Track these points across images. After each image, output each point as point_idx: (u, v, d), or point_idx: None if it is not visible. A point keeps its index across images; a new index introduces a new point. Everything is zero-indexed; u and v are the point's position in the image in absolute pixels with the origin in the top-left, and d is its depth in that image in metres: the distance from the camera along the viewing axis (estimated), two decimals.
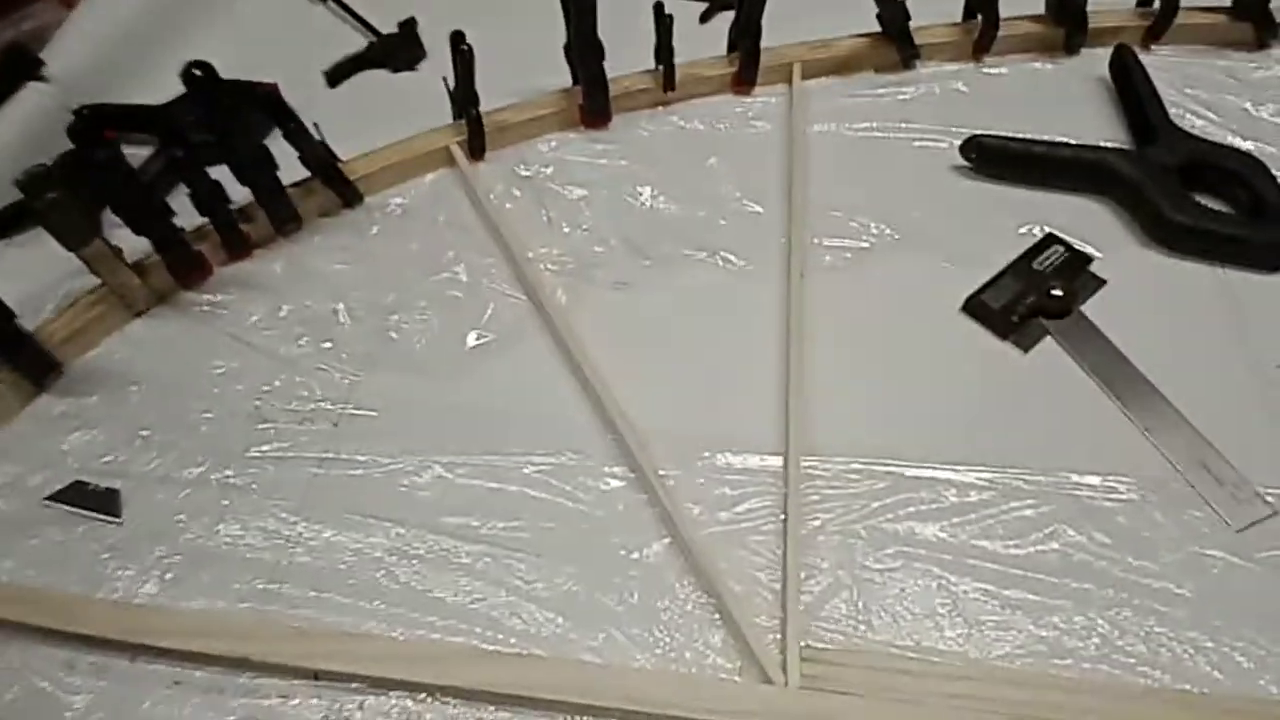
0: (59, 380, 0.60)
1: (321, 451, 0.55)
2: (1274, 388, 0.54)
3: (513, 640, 0.47)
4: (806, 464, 0.52)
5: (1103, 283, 0.59)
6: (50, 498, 0.54)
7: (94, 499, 0.54)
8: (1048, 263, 0.60)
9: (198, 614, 0.49)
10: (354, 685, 0.45)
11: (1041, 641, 0.45)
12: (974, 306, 0.58)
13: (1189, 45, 0.74)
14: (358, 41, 0.82)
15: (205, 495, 0.53)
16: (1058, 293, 0.57)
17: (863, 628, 0.46)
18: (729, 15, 0.74)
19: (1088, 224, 0.63)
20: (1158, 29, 0.73)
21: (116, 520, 0.53)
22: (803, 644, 0.44)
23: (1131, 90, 0.68)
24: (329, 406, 0.57)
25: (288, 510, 0.52)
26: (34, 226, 0.69)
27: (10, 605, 0.49)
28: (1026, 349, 0.56)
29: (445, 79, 0.68)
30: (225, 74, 0.57)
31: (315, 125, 0.63)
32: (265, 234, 0.66)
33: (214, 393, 0.58)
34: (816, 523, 0.50)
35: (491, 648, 0.46)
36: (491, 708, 0.44)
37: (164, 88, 0.75)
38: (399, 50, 0.80)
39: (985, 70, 0.74)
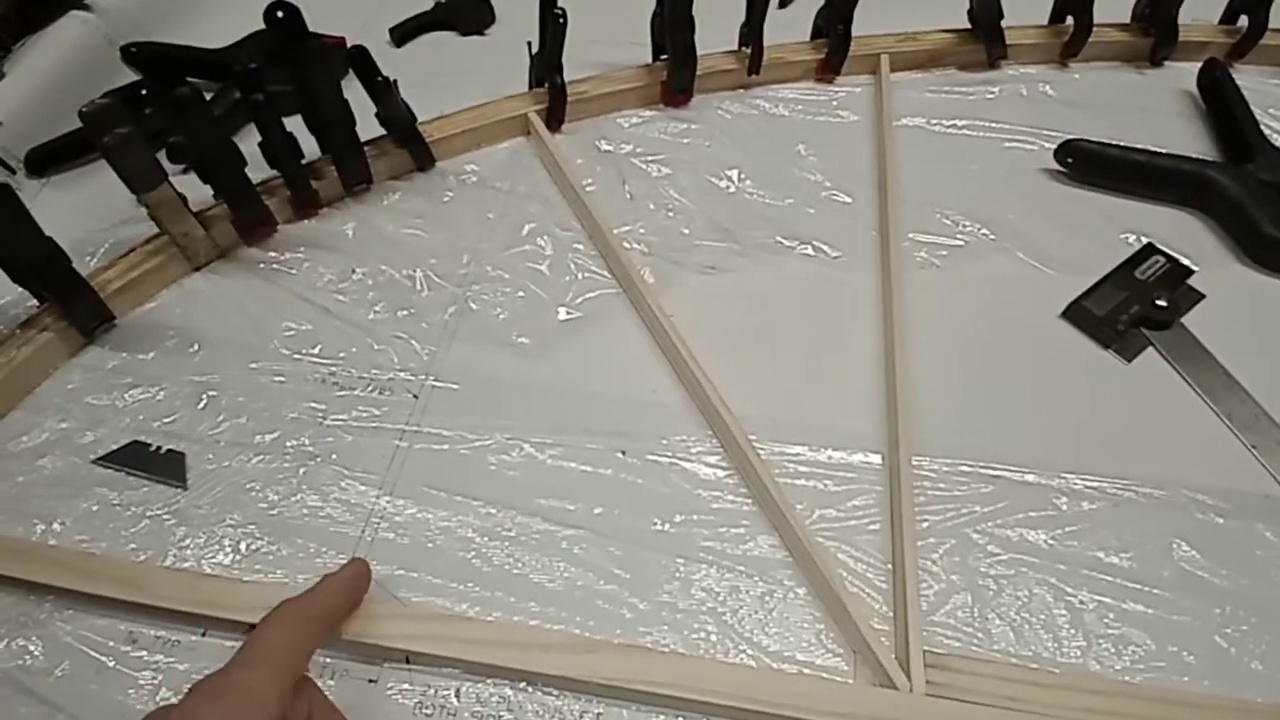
0: (111, 333, 0.56)
1: (403, 424, 0.52)
2: None
3: (617, 631, 0.45)
4: (912, 463, 0.50)
5: (1201, 296, 0.58)
6: (105, 458, 0.51)
7: (156, 461, 0.51)
8: (1149, 273, 0.59)
9: (276, 586, 0.46)
10: (448, 670, 0.43)
11: (1161, 657, 0.44)
12: (1076, 313, 0.57)
13: (1273, 66, 0.73)
14: (424, 2, 0.79)
15: (280, 463, 0.50)
16: (1163, 303, 0.56)
17: (980, 635, 0.45)
18: (811, 1, 0.73)
19: (1183, 236, 0.62)
20: (1243, 47, 0.73)
21: (181, 485, 0.50)
22: (925, 648, 0.43)
23: (1224, 105, 0.67)
24: (409, 377, 0.54)
25: (370, 483, 0.50)
26: (73, 165, 0.66)
27: (62, 571, 0.45)
28: (1129, 359, 0.55)
29: (530, 43, 0.65)
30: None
31: (395, 83, 0.60)
32: (334, 192, 0.63)
33: (285, 355, 0.55)
34: (925, 524, 0.48)
35: (597, 637, 0.44)
36: (596, 700, 0.42)
37: (211, 32, 0.73)
38: (468, 13, 0.77)
39: (1071, 74, 0.73)
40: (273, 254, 0.60)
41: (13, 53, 0.69)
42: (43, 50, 0.68)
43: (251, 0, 0.52)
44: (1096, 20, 0.72)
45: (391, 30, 0.76)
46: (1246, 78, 0.72)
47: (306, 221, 0.62)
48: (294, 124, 0.58)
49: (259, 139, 0.57)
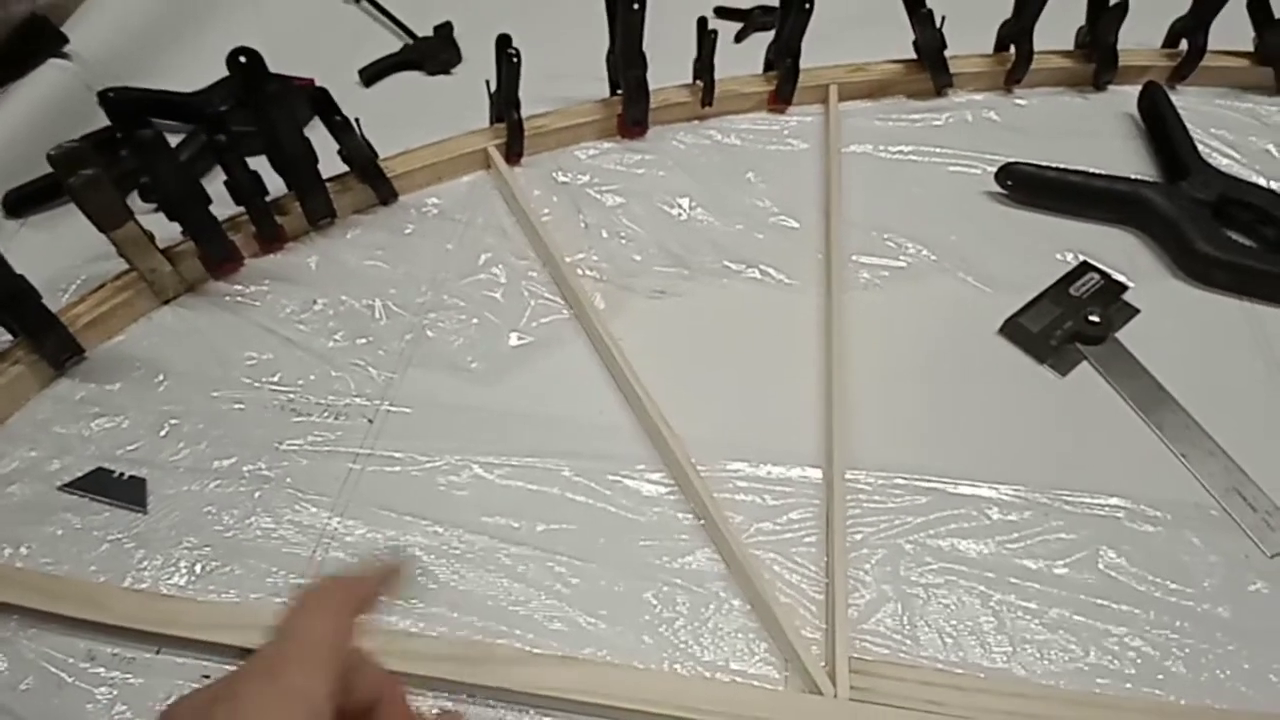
0: (80, 365, 0.59)
1: (357, 447, 0.54)
2: None
3: (554, 644, 0.46)
4: (848, 477, 0.52)
5: (1136, 311, 0.60)
6: (70, 485, 0.53)
7: (118, 487, 0.53)
8: (1084, 290, 0.60)
9: (228, 606, 0.48)
10: None
11: (1085, 661, 0.45)
12: (1012, 329, 0.59)
13: (1213, 87, 0.76)
14: (392, 43, 0.82)
15: (236, 487, 0.52)
16: (1095, 319, 0.57)
17: (908, 642, 0.46)
18: (763, 36, 0.76)
19: (1119, 253, 0.64)
20: (1184, 70, 0.75)
21: (141, 510, 0.52)
22: (851, 655, 0.44)
23: (1162, 126, 0.69)
24: (364, 402, 0.56)
25: (322, 505, 0.51)
26: (49, 206, 0.68)
27: (27, 592, 0.47)
28: (1064, 373, 0.57)
29: (488, 81, 0.68)
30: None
31: (357, 121, 0.63)
32: (299, 227, 0.65)
33: (245, 384, 0.57)
34: (859, 536, 0.50)
35: (535, 650, 0.45)
36: (534, 711, 0.44)
37: (187, 76, 0.76)
38: (435, 53, 0.80)
39: (1015, 100, 0.76)
40: (238, 287, 0.62)
41: None
42: (22, 97, 0.70)
43: (225, 45, 0.55)
44: (1041, 47, 0.75)
45: (361, 71, 0.79)
46: (1187, 99, 0.74)
47: (272, 255, 0.65)
48: (260, 162, 0.60)
49: (231, 175, 0.59)
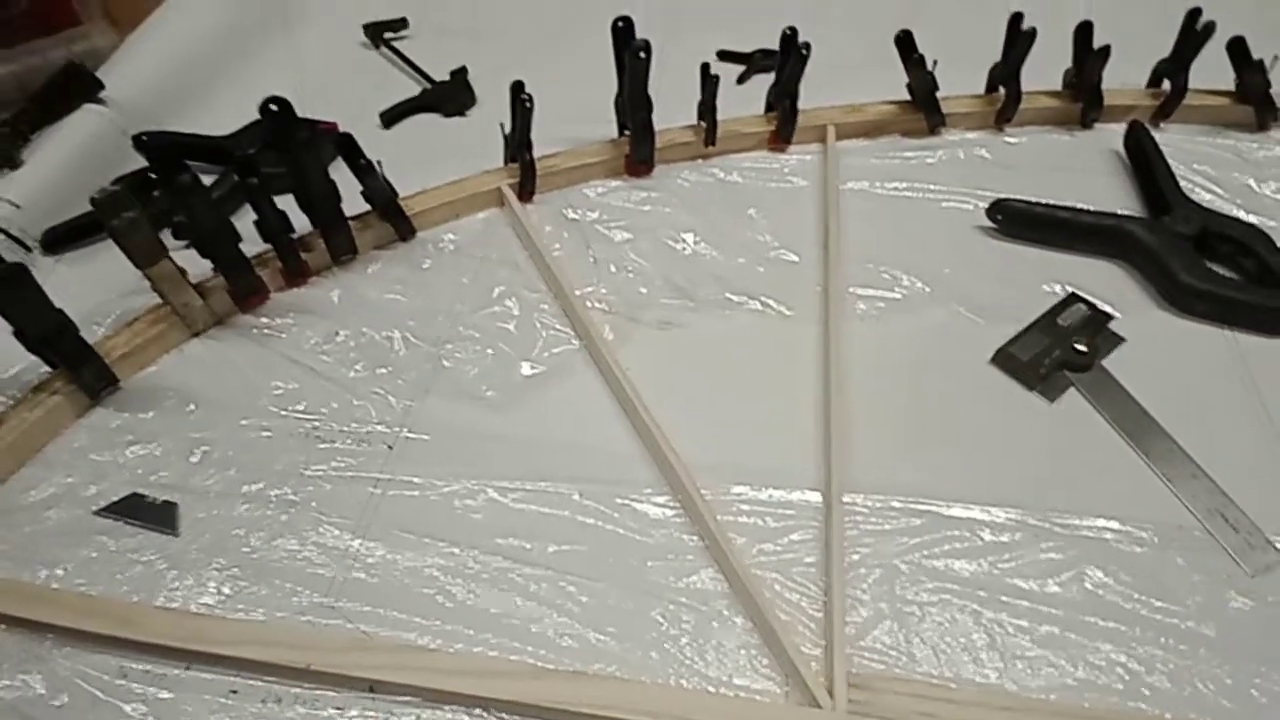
0: (115, 395, 0.62)
1: (378, 472, 0.57)
2: None
3: (565, 660, 0.48)
4: (846, 500, 0.54)
5: (1121, 340, 0.62)
6: (105, 509, 0.56)
7: (150, 511, 0.56)
8: (1071, 320, 0.63)
9: (254, 624, 0.50)
10: (408, 698, 0.47)
11: (1074, 676, 0.47)
12: (1003, 358, 0.61)
13: (1196, 124, 0.79)
14: (411, 87, 0.86)
15: (263, 511, 0.55)
16: (1082, 348, 0.60)
17: (904, 658, 0.48)
18: (765, 78, 0.79)
19: (1106, 285, 0.66)
20: (1167, 108, 0.78)
21: (173, 533, 0.54)
22: (849, 671, 0.46)
23: (1146, 163, 0.72)
24: (384, 429, 0.59)
25: (344, 528, 0.54)
26: (84, 243, 0.72)
27: (62, 611, 0.50)
28: (1052, 399, 0.59)
29: (502, 124, 0.72)
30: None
31: (378, 162, 0.67)
32: (322, 263, 0.69)
33: (272, 412, 0.60)
34: (856, 556, 0.52)
35: (548, 666, 0.48)
36: None
37: (216, 119, 0.80)
38: (451, 96, 0.84)
39: (1006, 139, 0.79)
40: (265, 320, 0.66)
41: (31, 142, 0.76)
42: (60, 140, 0.75)
43: (253, 91, 0.59)
44: (1030, 87, 0.78)
45: (382, 114, 0.83)
46: (1170, 136, 0.78)
47: (297, 289, 0.68)
48: (287, 201, 0.64)
49: (258, 216, 0.63)
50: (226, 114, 0.79)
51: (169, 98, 0.83)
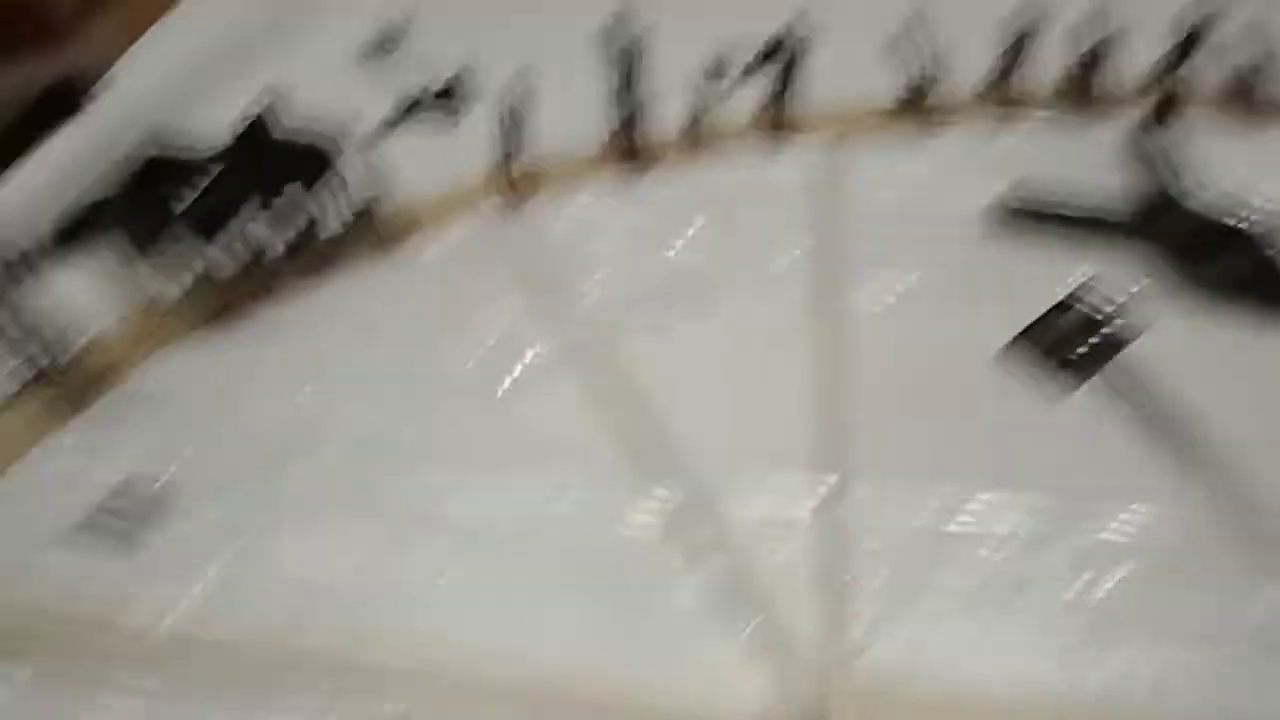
0: (97, 402, 0.60)
1: (366, 475, 0.55)
2: None
3: (557, 662, 0.46)
4: (850, 502, 0.52)
5: (1129, 336, 0.60)
6: (85, 519, 0.54)
7: (132, 520, 0.54)
8: (1079, 316, 0.61)
9: (240, 634, 0.48)
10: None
11: (1092, 682, 0.44)
12: (1013, 354, 0.59)
13: (1197, 123, 0.77)
14: (410, 91, 0.85)
15: (248, 518, 0.53)
16: (1095, 341, 0.58)
17: (913, 666, 0.45)
18: (762, 77, 0.78)
19: (1111, 281, 0.64)
20: (1169, 107, 0.77)
21: (154, 541, 0.52)
22: (854, 679, 0.44)
23: (1150, 158, 0.71)
24: (372, 434, 0.57)
25: (332, 531, 0.52)
26: (70, 253, 0.71)
27: (36, 626, 0.48)
28: (1063, 397, 0.57)
29: (491, 132, 0.71)
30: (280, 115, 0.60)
31: (366, 168, 0.66)
32: (305, 272, 0.67)
33: (258, 417, 0.58)
34: (861, 560, 0.50)
35: (535, 674, 0.45)
36: None
37: (209, 132, 0.79)
38: (441, 105, 0.83)
39: (1008, 135, 0.78)
40: (243, 334, 0.64)
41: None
42: (48, 155, 0.74)
43: (241, 102, 0.58)
44: (1031, 85, 0.77)
45: (380, 120, 0.82)
46: (1173, 134, 0.76)
47: (280, 300, 0.66)
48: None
49: (233, 232, 0.62)
50: (218, 126, 0.78)
51: (158, 113, 0.82)
